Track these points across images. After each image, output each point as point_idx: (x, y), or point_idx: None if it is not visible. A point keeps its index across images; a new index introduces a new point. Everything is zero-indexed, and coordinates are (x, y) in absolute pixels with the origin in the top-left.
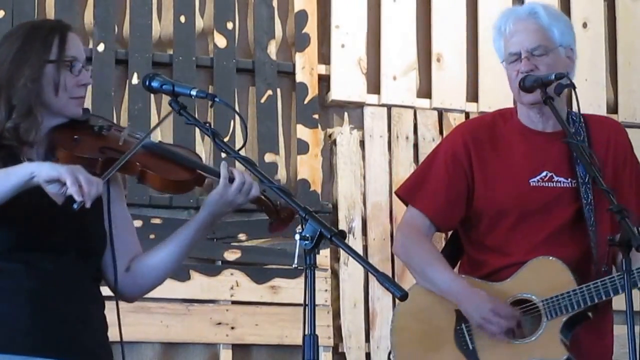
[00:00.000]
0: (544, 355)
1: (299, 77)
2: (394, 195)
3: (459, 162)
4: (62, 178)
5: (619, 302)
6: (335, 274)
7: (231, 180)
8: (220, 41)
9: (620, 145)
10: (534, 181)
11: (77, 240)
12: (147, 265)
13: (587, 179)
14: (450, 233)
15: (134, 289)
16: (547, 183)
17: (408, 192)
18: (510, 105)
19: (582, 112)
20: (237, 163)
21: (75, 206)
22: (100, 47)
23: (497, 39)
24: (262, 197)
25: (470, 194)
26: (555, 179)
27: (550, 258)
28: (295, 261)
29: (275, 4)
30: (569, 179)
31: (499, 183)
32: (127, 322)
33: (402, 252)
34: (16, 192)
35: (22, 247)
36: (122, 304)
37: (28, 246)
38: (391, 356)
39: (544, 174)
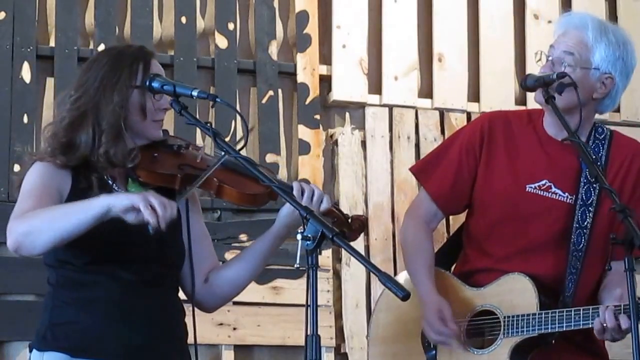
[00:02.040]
0: None
1: (300, 78)
2: (395, 195)
3: (473, 150)
4: (136, 205)
5: None
6: (337, 275)
7: (302, 192)
8: (222, 42)
9: (635, 173)
10: (531, 187)
11: (157, 252)
12: (224, 277)
13: (589, 201)
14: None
15: (211, 300)
16: (542, 192)
17: (422, 171)
18: (511, 105)
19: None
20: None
21: (150, 230)
22: (101, 48)
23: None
24: (334, 209)
25: (474, 178)
26: (553, 189)
27: (525, 278)
28: (297, 262)
29: (276, 4)
30: (567, 194)
31: (497, 180)
32: None
33: (401, 234)
34: (95, 224)
35: (103, 260)
36: None
37: (109, 259)
38: (367, 337)
39: (543, 182)
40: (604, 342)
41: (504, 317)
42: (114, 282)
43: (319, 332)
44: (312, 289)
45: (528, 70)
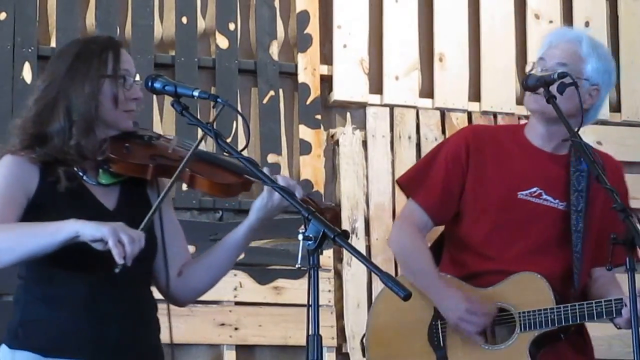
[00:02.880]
0: None
1: (301, 78)
2: (397, 195)
3: (459, 163)
4: (105, 239)
5: None
6: (338, 275)
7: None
8: (222, 42)
9: (617, 186)
10: (523, 194)
11: None
12: (198, 269)
13: (579, 208)
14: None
15: (185, 294)
16: (534, 199)
17: (409, 183)
18: (512, 105)
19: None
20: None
21: (116, 270)
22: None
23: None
24: (307, 199)
25: (462, 193)
26: (544, 196)
27: (537, 275)
28: (299, 262)
29: (277, 4)
30: (557, 201)
31: (489, 188)
32: None
33: (394, 243)
34: (61, 247)
35: (76, 254)
36: None
37: (81, 253)
38: (364, 339)
39: (534, 189)
40: (591, 342)
41: (519, 313)
42: (85, 278)
43: (320, 332)
44: (314, 289)
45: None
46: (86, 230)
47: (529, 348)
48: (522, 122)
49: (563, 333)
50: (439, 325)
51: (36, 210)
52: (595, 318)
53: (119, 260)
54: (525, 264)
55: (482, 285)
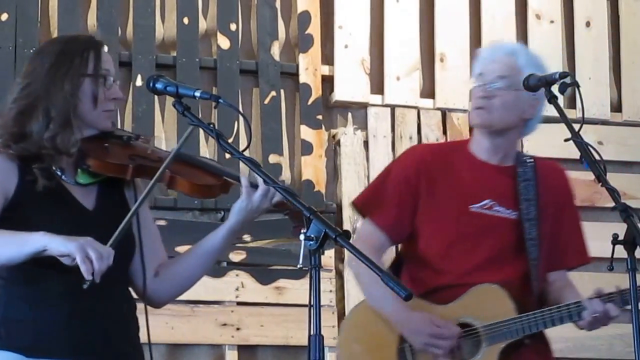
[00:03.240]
0: None
1: (303, 78)
2: None
3: (409, 183)
4: (73, 255)
5: None
6: (340, 275)
7: (254, 186)
8: (224, 42)
9: (565, 192)
10: (475, 207)
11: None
12: (175, 270)
13: (532, 216)
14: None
15: (162, 295)
16: (486, 211)
17: (365, 204)
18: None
19: (586, 115)
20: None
21: (85, 286)
22: (104, 49)
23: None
24: (285, 201)
25: (415, 212)
26: (496, 208)
27: (494, 286)
28: (300, 262)
29: (278, 5)
30: (510, 211)
31: (442, 205)
32: None
33: (354, 267)
34: (28, 259)
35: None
36: None
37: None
38: None
39: (485, 202)
40: (550, 344)
41: (483, 327)
42: (65, 277)
43: (321, 332)
44: (315, 289)
45: None
46: (53, 244)
47: (499, 359)
48: None
49: (528, 338)
50: (407, 348)
51: (15, 209)
52: (558, 323)
53: (87, 276)
54: (482, 276)
55: (442, 300)
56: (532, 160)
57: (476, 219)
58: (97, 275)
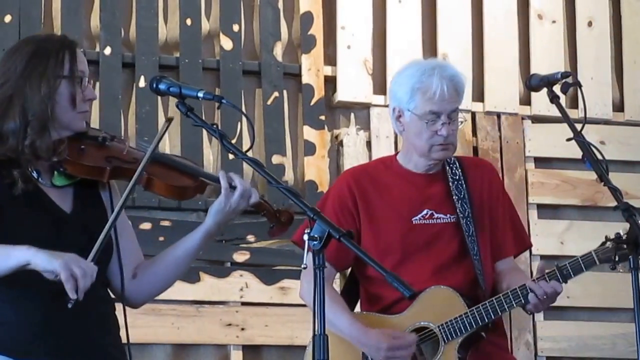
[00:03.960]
0: None
1: (305, 79)
2: None
3: (346, 206)
4: (57, 272)
5: (625, 300)
6: (343, 275)
7: (232, 187)
8: (227, 43)
9: (494, 185)
10: (416, 219)
11: (85, 249)
12: (153, 272)
13: (466, 213)
14: (348, 272)
15: (140, 296)
16: (428, 220)
17: (302, 239)
18: (516, 105)
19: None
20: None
21: (69, 305)
22: (107, 51)
23: (409, 90)
24: (262, 201)
25: (358, 235)
26: (436, 215)
27: (442, 287)
28: (305, 262)
29: (280, 5)
30: (448, 215)
31: (383, 224)
32: (137, 324)
33: (305, 297)
34: (11, 272)
35: None
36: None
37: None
38: None
39: (425, 212)
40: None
41: (438, 327)
42: (45, 280)
43: (326, 332)
44: (319, 289)
45: (532, 70)
46: (38, 260)
47: (457, 355)
48: (525, 122)
49: (484, 331)
50: None
51: None
52: (507, 309)
53: (72, 295)
54: (435, 281)
55: (397, 312)
56: (456, 160)
57: (420, 230)
58: (81, 292)
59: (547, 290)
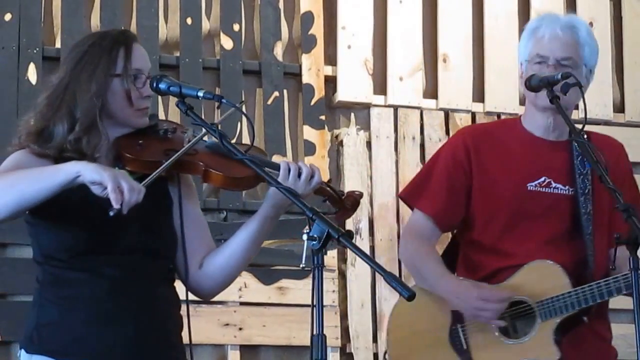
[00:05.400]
0: (538, 356)
1: (306, 79)
2: None
3: (460, 164)
4: (104, 183)
5: (625, 301)
6: (342, 275)
7: (288, 173)
8: (227, 43)
9: (622, 166)
10: (532, 185)
11: (144, 242)
12: (217, 263)
13: (587, 190)
14: (450, 238)
15: (207, 286)
16: (544, 188)
17: (411, 194)
18: (516, 105)
19: (588, 115)
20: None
21: (111, 213)
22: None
23: (526, 38)
24: (324, 186)
25: (468, 195)
26: (553, 185)
27: (548, 261)
28: (303, 262)
29: (281, 5)
30: (567, 187)
31: (497, 185)
32: None
33: (404, 254)
34: (62, 189)
35: (86, 253)
36: None
37: (92, 251)
38: (386, 355)
39: (542, 179)
40: (611, 329)
41: (537, 303)
42: (98, 279)
43: (324, 332)
44: (318, 289)
45: None
46: (87, 172)
47: (554, 336)
48: None
49: (585, 315)
50: (459, 328)
51: (50, 204)
52: (614, 294)
53: (115, 205)
54: (541, 255)
55: (496, 282)
56: (586, 135)
57: (534, 198)
58: (125, 206)
59: None
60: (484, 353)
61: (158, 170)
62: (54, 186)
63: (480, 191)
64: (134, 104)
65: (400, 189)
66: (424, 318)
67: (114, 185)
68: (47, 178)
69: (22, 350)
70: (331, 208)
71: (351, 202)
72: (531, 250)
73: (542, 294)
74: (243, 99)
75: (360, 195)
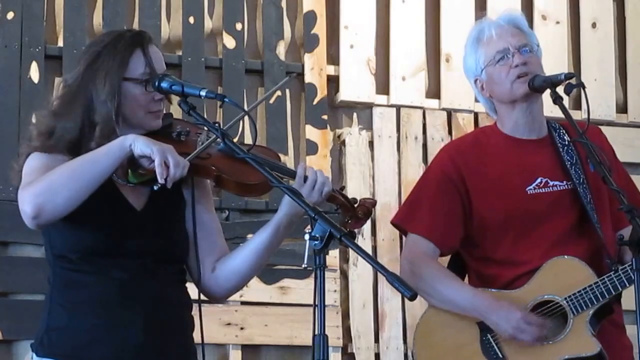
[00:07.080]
0: (579, 351)
1: (308, 78)
2: (403, 195)
3: (451, 181)
4: (153, 156)
5: (626, 302)
6: (344, 275)
7: (305, 179)
8: (229, 42)
9: (607, 150)
10: (531, 189)
11: (155, 244)
12: (230, 267)
13: (581, 180)
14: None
15: (219, 289)
16: (543, 189)
17: (404, 219)
18: None
19: (591, 116)
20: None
21: (155, 187)
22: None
23: (473, 49)
24: (336, 194)
25: (467, 212)
26: (551, 183)
27: (565, 257)
28: (305, 262)
29: (284, 4)
30: (564, 182)
31: (497, 196)
32: None
33: (412, 279)
34: (119, 165)
35: (97, 254)
36: None
37: (102, 253)
38: None
39: (538, 180)
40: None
41: (565, 299)
42: (108, 282)
43: (326, 332)
44: (320, 289)
45: None
46: (139, 143)
47: (589, 328)
48: None
49: (615, 303)
50: (490, 338)
51: None
52: None
53: (160, 179)
54: (555, 253)
55: (515, 288)
56: (561, 126)
57: (536, 200)
58: (169, 181)
59: None
60: (523, 357)
61: (196, 152)
62: (114, 161)
63: (480, 207)
64: (147, 107)
65: (403, 189)
66: (450, 335)
67: (160, 160)
68: (103, 157)
69: (34, 354)
70: (333, 207)
71: (363, 211)
72: (545, 252)
73: (568, 289)
74: (265, 95)
75: (373, 203)
